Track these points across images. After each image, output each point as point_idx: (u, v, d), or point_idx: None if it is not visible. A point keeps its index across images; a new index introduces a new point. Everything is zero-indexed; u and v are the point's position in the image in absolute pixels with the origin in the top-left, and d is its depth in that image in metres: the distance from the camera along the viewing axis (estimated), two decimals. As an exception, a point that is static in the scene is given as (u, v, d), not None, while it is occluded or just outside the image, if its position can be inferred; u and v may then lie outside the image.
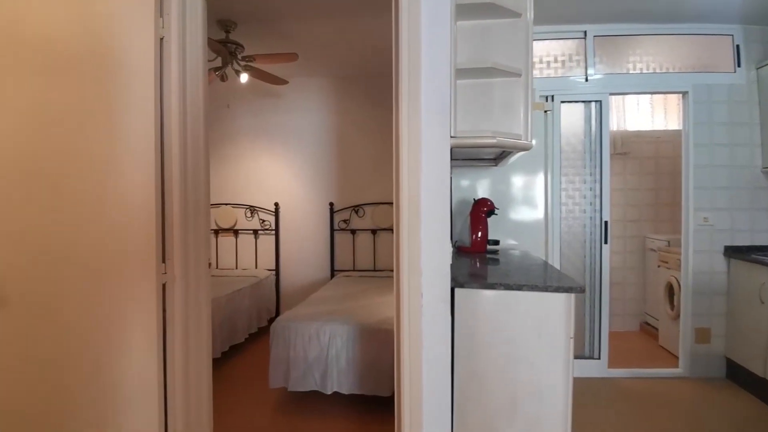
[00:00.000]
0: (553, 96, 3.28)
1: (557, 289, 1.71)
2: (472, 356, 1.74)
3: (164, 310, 1.64)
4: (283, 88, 4.76)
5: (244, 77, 3.33)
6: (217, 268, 4.91)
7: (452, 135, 1.72)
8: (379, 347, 2.78)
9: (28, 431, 1.60)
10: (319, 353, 2.81)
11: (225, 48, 3.05)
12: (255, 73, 3.38)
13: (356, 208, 4.73)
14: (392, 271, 4.68)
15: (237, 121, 4.88)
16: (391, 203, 4.63)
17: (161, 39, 1.61)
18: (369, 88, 4.70)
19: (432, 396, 1.64)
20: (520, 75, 2.05)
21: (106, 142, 1.58)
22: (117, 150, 1.58)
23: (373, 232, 4.70)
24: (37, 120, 1.59)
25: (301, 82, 4.76)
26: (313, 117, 4.79)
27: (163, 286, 1.63)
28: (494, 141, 1.82)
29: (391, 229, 4.66)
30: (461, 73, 1.86)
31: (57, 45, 1.56)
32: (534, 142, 2.76)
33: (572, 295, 1.69)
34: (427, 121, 1.65)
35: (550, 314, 1.72)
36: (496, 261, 2.54)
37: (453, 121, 1.73)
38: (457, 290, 1.73)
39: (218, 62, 3.24)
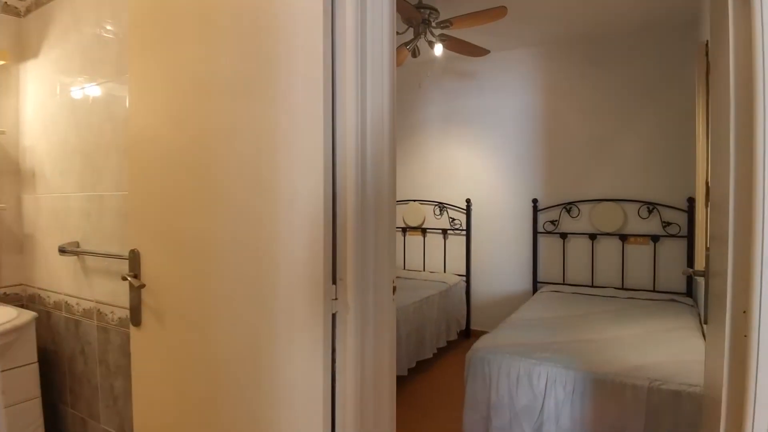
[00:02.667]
0: None
1: None
2: None
3: (333, 350, 1.17)
4: (478, 66, 4.12)
5: (438, 49, 2.80)
6: (404, 269, 4.57)
7: None
8: (624, 409, 1.91)
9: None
10: (532, 402, 2.09)
11: (418, 14, 2.56)
12: (451, 43, 2.82)
13: (568, 207, 3.80)
14: (620, 289, 3.59)
15: (426, 108, 4.44)
16: (618, 200, 3.57)
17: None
18: (588, 54, 3.70)
19: None
20: None
21: (264, 120, 1.17)
22: (276, 128, 1.15)
23: (592, 237, 3.70)
24: (195, 95, 1.29)
25: (500, 57, 4.04)
26: (513, 97, 4.02)
27: (333, 316, 1.15)
28: None
29: (617, 235, 3.59)
30: None
31: (212, 11, 1.22)
32: None
33: None
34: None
35: None
36: None
37: None
38: None
39: (409, 35, 2.78)
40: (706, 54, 2.20)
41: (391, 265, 1.23)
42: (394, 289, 1.23)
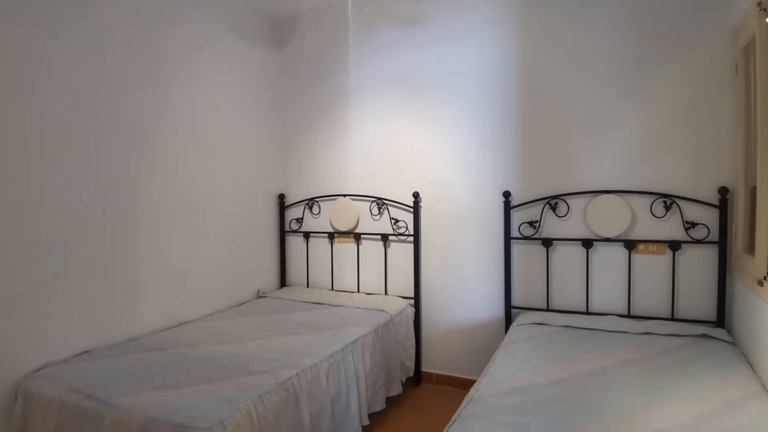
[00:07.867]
0: None
1: None
2: None
3: None
4: (428, 7, 2.98)
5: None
6: (332, 289, 3.37)
7: None
8: None
9: None
10: None
11: None
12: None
13: (553, 202, 2.73)
14: (627, 318, 2.39)
15: (358, 67, 3.23)
16: (622, 192, 2.53)
17: None
18: (578, -11, 2.64)
19: None
20: None
21: None
22: None
23: (586, 243, 2.65)
24: None
25: (457, -4, 2.92)
26: (477, 50, 2.90)
27: None
28: None
29: (621, 240, 2.55)
30: None
31: None
32: None
33: None
34: None
35: None
36: None
37: None
38: None
39: None
40: None
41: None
42: None
